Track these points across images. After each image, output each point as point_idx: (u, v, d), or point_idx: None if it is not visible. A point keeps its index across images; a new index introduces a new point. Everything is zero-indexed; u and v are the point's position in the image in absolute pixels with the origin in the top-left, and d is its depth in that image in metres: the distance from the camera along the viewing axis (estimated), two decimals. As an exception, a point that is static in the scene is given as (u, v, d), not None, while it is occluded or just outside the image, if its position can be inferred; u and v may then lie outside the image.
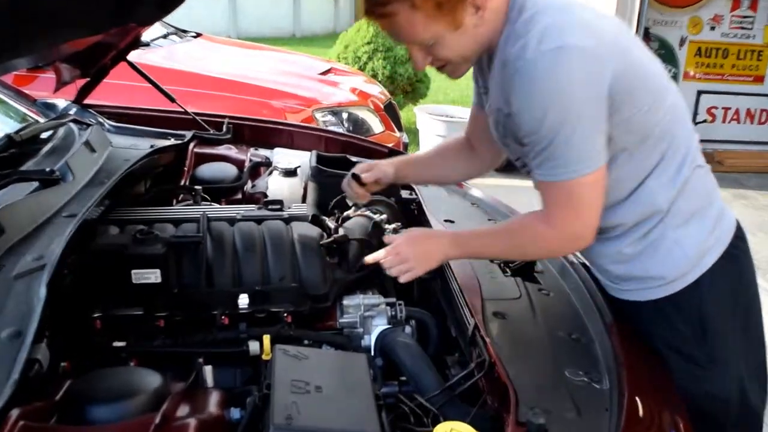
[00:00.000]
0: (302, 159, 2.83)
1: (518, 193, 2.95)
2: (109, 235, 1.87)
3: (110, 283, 1.75)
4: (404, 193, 2.47)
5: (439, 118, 7.33)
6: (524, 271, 1.98)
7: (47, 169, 2.01)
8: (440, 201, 2.50)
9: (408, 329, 1.86)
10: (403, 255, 1.71)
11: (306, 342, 1.77)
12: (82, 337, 1.68)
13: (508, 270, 1.97)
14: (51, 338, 1.38)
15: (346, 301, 1.92)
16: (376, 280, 1.99)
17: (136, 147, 2.50)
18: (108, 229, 1.91)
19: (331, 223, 2.10)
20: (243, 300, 1.81)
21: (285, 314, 1.81)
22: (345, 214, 2.23)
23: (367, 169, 2.04)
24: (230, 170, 2.79)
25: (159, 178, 2.67)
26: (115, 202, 2.14)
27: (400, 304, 1.88)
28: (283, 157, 2.95)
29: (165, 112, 3.12)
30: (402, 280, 1.72)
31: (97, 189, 2.01)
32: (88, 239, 1.79)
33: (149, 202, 2.33)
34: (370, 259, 1.79)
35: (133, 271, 1.76)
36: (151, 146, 2.54)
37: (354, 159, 2.60)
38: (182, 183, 2.65)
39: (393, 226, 2.14)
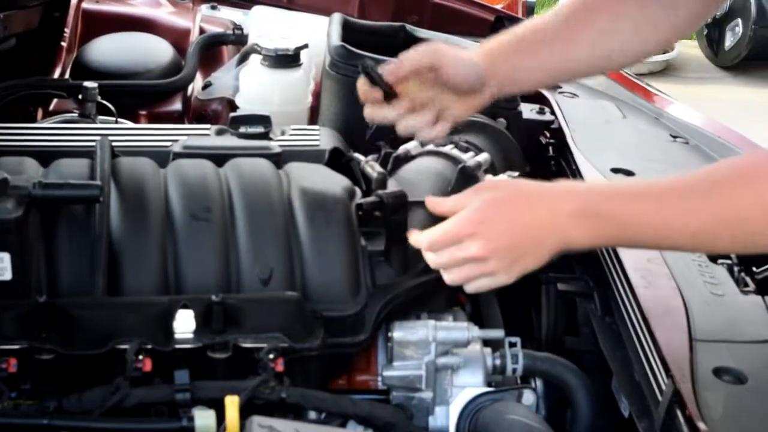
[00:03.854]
0: (312, 30, 2.30)
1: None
2: None
3: None
4: (527, 110, 2.06)
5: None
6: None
7: None
8: (605, 128, 2.03)
9: (530, 397, 1.55)
10: (474, 238, 1.31)
11: (312, 415, 1.45)
12: None
13: (749, 280, 1.56)
14: None
15: (398, 333, 1.57)
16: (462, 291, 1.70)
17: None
18: None
19: (371, 168, 1.73)
20: (184, 321, 1.44)
21: (271, 355, 1.44)
22: (403, 148, 1.82)
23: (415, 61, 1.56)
24: (157, 51, 2.37)
25: (7, 64, 2.24)
26: None
27: (514, 344, 1.57)
28: (270, 25, 2.42)
29: None
30: (469, 289, 1.39)
31: None
32: None
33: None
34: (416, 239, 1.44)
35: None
36: None
37: (420, 32, 2.08)
38: (57, 74, 2.33)
39: (505, 177, 1.79)
